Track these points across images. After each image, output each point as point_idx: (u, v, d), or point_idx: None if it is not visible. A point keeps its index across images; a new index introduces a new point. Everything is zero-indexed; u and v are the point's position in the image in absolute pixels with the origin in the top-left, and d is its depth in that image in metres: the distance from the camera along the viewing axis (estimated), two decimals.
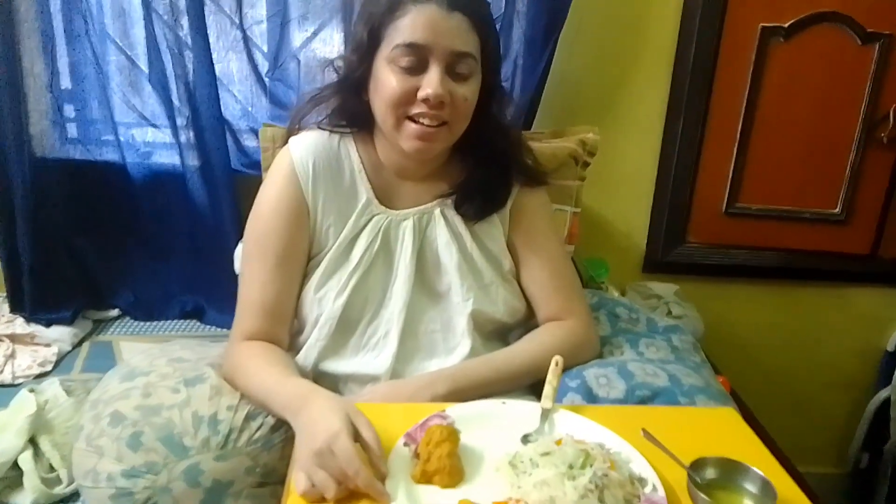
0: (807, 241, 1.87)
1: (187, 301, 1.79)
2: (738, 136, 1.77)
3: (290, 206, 1.13)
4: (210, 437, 0.96)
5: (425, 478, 0.86)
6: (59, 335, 1.63)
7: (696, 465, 0.86)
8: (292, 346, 1.18)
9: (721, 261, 1.87)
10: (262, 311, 1.12)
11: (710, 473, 0.87)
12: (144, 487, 0.93)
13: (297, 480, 0.83)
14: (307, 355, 1.14)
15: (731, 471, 0.86)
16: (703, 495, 0.81)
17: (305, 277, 1.16)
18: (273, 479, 0.98)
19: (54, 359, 1.56)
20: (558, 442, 0.88)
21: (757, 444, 0.97)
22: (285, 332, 1.15)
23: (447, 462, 0.86)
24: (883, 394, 1.97)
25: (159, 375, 1.05)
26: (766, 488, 0.83)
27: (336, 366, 1.14)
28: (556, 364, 1.05)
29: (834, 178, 1.82)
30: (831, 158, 1.81)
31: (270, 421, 1.01)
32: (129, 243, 1.75)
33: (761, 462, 0.90)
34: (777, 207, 1.84)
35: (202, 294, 1.77)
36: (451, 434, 0.89)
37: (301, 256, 1.15)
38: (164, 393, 1.01)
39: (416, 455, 0.89)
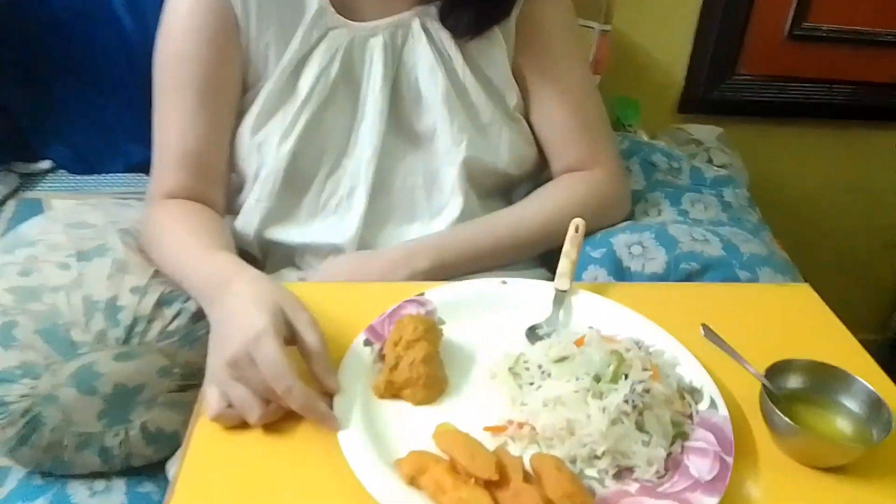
0: (889, 72, 1.52)
1: (133, 152, 1.49)
2: None
3: (210, 15, 0.81)
4: (107, 329, 0.72)
5: (391, 391, 0.62)
6: None
7: (774, 371, 0.61)
8: (232, 208, 0.91)
9: (777, 97, 1.54)
10: (184, 163, 0.84)
11: (794, 381, 0.62)
12: (22, 395, 0.70)
13: (208, 398, 0.59)
14: (247, 220, 0.87)
15: (821, 379, 0.61)
16: (781, 415, 0.57)
17: (240, 116, 0.86)
18: (198, 380, 0.73)
19: None
20: (579, 342, 0.63)
21: (849, 339, 0.72)
22: (218, 190, 0.87)
23: (422, 370, 0.61)
24: None
25: (48, 246, 0.79)
26: (875, 406, 0.59)
27: (287, 233, 0.87)
28: (577, 230, 0.78)
29: None
30: None
31: (191, 307, 0.76)
32: (57, 83, 1.44)
33: (858, 365, 0.66)
34: (856, 28, 1.47)
35: (149, 143, 1.47)
36: (430, 329, 0.64)
37: (231, 87, 0.84)
38: (50, 270, 0.75)
39: (382, 358, 0.64)
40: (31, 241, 0.81)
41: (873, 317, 1.84)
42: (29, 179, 1.47)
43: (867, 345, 0.75)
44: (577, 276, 0.85)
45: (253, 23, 0.82)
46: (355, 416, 0.58)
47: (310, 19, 0.83)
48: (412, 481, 0.53)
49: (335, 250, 0.86)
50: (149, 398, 0.74)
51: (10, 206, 1.38)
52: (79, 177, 1.48)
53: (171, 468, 0.77)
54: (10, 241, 0.83)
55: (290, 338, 0.60)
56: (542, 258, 0.91)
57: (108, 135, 1.49)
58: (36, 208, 1.38)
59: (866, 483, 0.57)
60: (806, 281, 0.89)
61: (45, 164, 1.49)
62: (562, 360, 0.61)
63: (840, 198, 1.67)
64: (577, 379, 0.59)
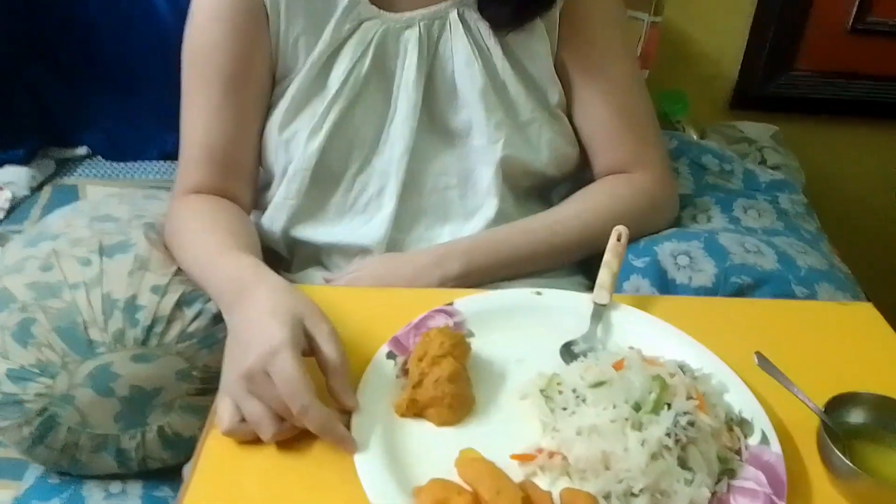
0: None
1: (167, 139, 1.47)
2: None
3: (237, 5, 0.78)
4: (126, 329, 0.70)
5: (414, 410, 0.58)
6: (14, 177, 1.36)
7: (835, 405, 0.55)
8: (260, 205, 0.88)
9: (838, 94, 1.45)
10: (209, 158, 0.81)
11: (857, 416, 0.56)
12: (38, 394, 0.69)
13: (221, 412, 0.56)
14: (274, 218, 0.84)
15: (889, 415, 0.56)
16: (841, 456, 0.51)
17: (268, 111, 0.83)
18: (217, 384, 0.71)
19: (7, 205, 1.31)
20: (618, 364, 0.58)
21: None
22: (245, 186, 0.84)
23: (447, 389, 0.57)
24: None
25: (70, 241, 0.77)
26: None
27: (314, 233, 0.84)
28: (619, 239, 0.73)
29: None
30: None
31: (212, 308, 0.74)
32: (90, 70, 1.43)
33: None
34: None
35: None
36: (457, 344, 0.60)
37: (259, 81, 0.81)
38: (70, 265, 0.73)
39: (405, 373, 0.60)
40: (54, 234, 0.79)
41: None
42: (66, 165, 1.47)
43: None
44: (617, 286, 0.80)
45: (282, 13, 0.79)
46: (374, 438, 0.55)
47: (342, 10, 0.79)
48: None
49: (363, 251, 0.82)
50: (166, 401, 0.72)
51: (46, 191, 1.39)
52: (115, 164, 1.48)
53: (188, 473, 0.75)
54: (36, 233, 0.81)
55: (309, 349, 0.57)
56: (580, 264, 0.86)
57: (140, 122, 1.48)
58: (71, 195, 1.38)
59: None
60: (863, 293, 0.83)
61: (82, 150, 1.49)
62: (599, 384, 0.56)
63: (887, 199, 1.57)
64: (615, 407, 0.54)
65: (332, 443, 0.53)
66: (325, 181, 0.82)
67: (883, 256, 1.59)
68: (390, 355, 0.62)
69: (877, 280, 1.38)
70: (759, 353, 0.59)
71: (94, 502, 0.72)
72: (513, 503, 0.47)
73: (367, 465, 0.52)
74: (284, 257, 0.88)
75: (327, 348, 0.56)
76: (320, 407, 0.52)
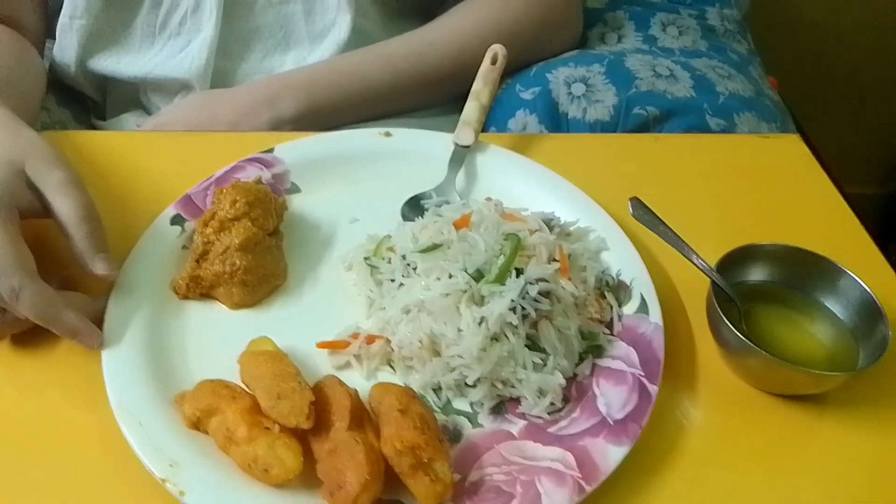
0: None
1: None
2: None
3: None
4: None
5: (199, 290, 0.44)
6: None
7: (734, 260, 0.44)
8: (53, 32, 0.69)
9: None
10: None
11: (759, 274, 0.45)
12: None
13: None
14: (65, 46, 0.65)
15: (799, 270, 0.44)
16: (731, 327, 0.40)
17: None
18: None
19: None
20: (461, 221, 0.45)
21: (845, 213, 0.54)
22: (25, 7, 0.65)
23: (240, 261, 0.44)
24: None
25: None
26: (868, 313, 0.42)
27: (118, 64, 0.66)
28: (493, 61, 0.57)
29: None
30: None
31: None
32: None
33: (855, 250, 0.49)
34: None
35: None
36: (257, 202, 0.46)
37: None
38: None
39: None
40: None
41: (876, 169, 1.65)
42: None
43: (864, 200, 0.59)
44: (502, 124, 0.66)
45: None
46: (136, 328, 0.41)
47: None
48: (196, 426, 0.37)
49: (185, 87, 0.65)
50: None
51: None
52: None
53: None
54: None
55: (39, 210, 0.42)
56: (461, 100, 0.71)
57: None
58: None
59: (845, 417, 0.41)
60: (800, 127, 0.71)
61: None
62: (432, 248, 0.43)
63: (854, 28, 1.40)
64: (451, 276, 0.41)
65: (65, 336, 0.40)
66: None
67: (824, 82, 1.45)
68: (176, 220, 0.47)
69: (816, 109, 1.27)
70: (634, 199, 0.46)
71: None
72: (295, 411, 0.35)
73: (117, 365, 0.39)
74: (97, 102, 0.71)
75: (59, 200, 0.42)
76: (37, 288, 0.39)
